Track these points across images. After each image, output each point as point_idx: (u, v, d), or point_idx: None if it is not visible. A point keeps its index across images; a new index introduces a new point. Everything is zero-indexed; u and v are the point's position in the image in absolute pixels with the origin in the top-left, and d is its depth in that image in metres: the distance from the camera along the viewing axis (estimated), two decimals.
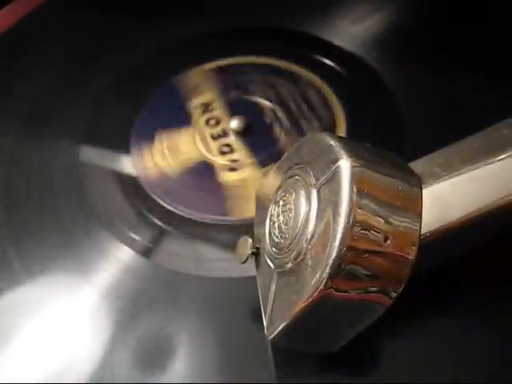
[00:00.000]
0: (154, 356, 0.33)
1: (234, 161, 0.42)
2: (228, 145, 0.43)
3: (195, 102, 0.46)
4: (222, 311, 0.35)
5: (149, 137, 0.44)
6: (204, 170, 0.42)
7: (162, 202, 0.40)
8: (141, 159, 0.43)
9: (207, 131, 0.44)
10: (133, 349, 0.33)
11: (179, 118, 0.45)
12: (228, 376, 0.33)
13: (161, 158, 0.43)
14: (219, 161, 0.42)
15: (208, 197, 0.40)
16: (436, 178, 0.30)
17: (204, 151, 0.43)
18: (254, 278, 0.33)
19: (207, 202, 0.40)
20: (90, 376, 0.33)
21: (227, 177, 0.41)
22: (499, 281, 0.35)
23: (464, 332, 0.33)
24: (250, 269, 0.34)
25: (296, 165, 0.31)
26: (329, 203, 0.27)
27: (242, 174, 0.42)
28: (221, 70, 0.49)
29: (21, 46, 0.53)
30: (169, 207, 0.40)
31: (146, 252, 0.38)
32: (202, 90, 0.47)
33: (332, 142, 0.29)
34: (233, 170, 0.42)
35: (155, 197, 0.41)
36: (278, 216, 0.31)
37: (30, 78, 0.50)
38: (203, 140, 0.44)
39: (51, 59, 0.51)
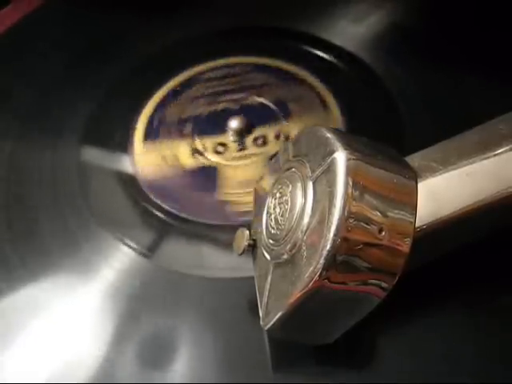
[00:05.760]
0: (155, 356, 0.33)
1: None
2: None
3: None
4: (222, 311, 0.35)
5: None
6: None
7: (162, 203, 0.40)
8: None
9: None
10: (134, 349, 0.34)
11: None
12: (228, 375, 0.33)
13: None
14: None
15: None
16: (432, 171, 0.30)
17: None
18: (253, 278, 0.33)
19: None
20: (91, 376, 0.33)
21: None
22: (497, 276, 0.35)
23: (461, 327, 0.33)
24: (249, 269, 0.34)
25: (293, 157, 0.32)
26: (324, 195, 0.28)
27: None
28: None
29: (21, 45, 0.53)
30: (169, 207, 0.40)
31: (146, 252, 0.38)
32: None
33: (328, 135, 0.29)
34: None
35: (155, 197, 0.41)
36: (275, 208, 0.31)
37: (30, 78, 0.50)
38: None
39: (51, 59, 0.52)
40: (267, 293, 0.30)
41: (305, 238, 0.28)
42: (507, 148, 0.31)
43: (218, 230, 0.39)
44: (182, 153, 0.43)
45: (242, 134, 0.44)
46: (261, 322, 0.30)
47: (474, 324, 0.33)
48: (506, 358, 0.32)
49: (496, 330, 0.33)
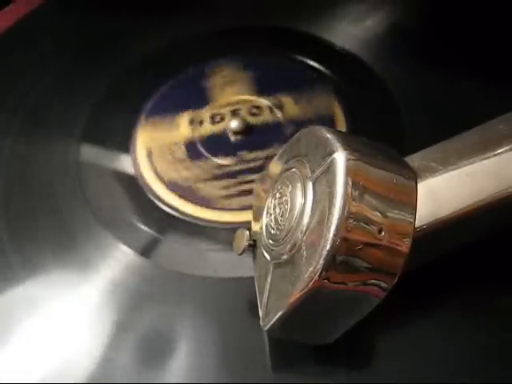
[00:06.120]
0: (154, 355, 0.33)
1: None
2: None
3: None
4: (222, 311, 0.35)
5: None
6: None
7: (161, 202, 0.40)
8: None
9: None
10: (132, 348, 0.34)
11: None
12: (227, 375, 0.33)
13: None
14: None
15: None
16: (432, 172, 0.30)
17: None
18: (253, 278, 0.33)
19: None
20: (90, 375, 0.33)
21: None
22: (497, 276, 0.35)
23: (461, 327, 0.33)
24: (249, 269, 0.34)
25: (293, 158, 0.32)
26: (324, 195, 0.28)
27: None
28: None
29: (21, 45, 0.53)
30: (169, 207, 0.40)
31: (145, 252, 0.38)
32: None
33: (328, 135, 0.29)
34: None
35: (155, 197, 0.41)
36: (275, 208, 0.31)
37: (30, 78, 0.50)
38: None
39: (51, 59, 0.52)
40: (267, 293, 0.30)
41: (304, 238, 0.28)
42: (507, 148, 0.31)
43: (218, 230, 0.39)
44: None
45: (241, 134, 0.44)
46: (260, 322, 0.30)
47: (474, 324, 0.34)
48: (505, 358, 0.32)
49: (496, 329, 0.33)
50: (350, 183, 0.27)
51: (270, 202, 0.32)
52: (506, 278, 0.35)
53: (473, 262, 0.34)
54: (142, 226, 0.39)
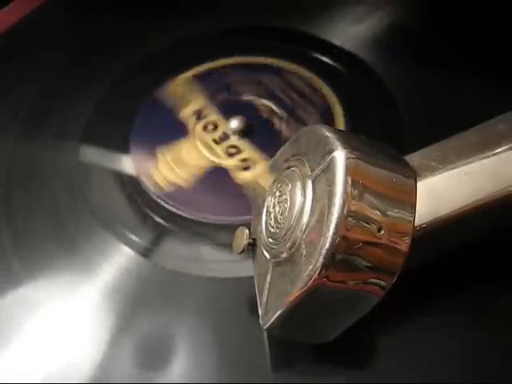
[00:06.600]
0: (154, 356, 0.33)
1: (245, 160, 0.42)
2: (233, 146, 0.43)
3: (187, 111, 0.46)
4: (222, 311, 0.35)
5: (149, 141, 0.44)
6: (218, 175, 0.42)
7: (161, 202, 0.40)
8: (146, 170, 0.43)
9: (208, 137, 0.44)
10: (133, 349, 0.33)
11: (174, 129, 0.45)
12: (227, 375, 0.33)
13: (169, 172, 0.43)
14: (230, 163, 0.42)
15: (212, 196, 0.40)
16: (431, 170, 0.30)
17: (212, 157, 0.43)
18: (253, 278, 0.33)
19: (210, 202, 0.40)
20: (90, 376, 0.33)
21: (243, 176, 0.41)
22: (497, 276, 0.35)
23: (461, 327, 0.33)
24: (249, 269, 0.34)
25: (293, 156, 0.32)
26: (323, 194, 0.28)
27: (256, 171, 0.41)
28: (219, 70, 0.49)
29: (21, 45, 0.53)
30: (169, 207, 0.40)
31: (145, 252, 0.38)
32: (198, 93, 0.47)
33: (328, 134, 0.29)
34: (246, 169, 0.42)
35: (155, 197, 0.41)
36: (274, 207, 0.31)
37: (30, 78, 0.50)
38: (207, 146, 0.44)
39: (51, 59, 0.52)
40: (266, 292, 0.30)
41: (304, 236, 0.28)
42: (506, 147, 0.31)
43: (218, 230, 0.39)
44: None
45: (242, 134, 0.43)
46: (260, 321, 0.30)
47: (474, 324, 0.33)
48: (505, 358, 0.32)
49: (496, 329, 0.33)
50: (350, 182, 0.27)
51: (269, 201, 0.32)
52: (506, 278, 0.35)
53: (473, 261, 0.34)
54: (142, 227, 0.39)
